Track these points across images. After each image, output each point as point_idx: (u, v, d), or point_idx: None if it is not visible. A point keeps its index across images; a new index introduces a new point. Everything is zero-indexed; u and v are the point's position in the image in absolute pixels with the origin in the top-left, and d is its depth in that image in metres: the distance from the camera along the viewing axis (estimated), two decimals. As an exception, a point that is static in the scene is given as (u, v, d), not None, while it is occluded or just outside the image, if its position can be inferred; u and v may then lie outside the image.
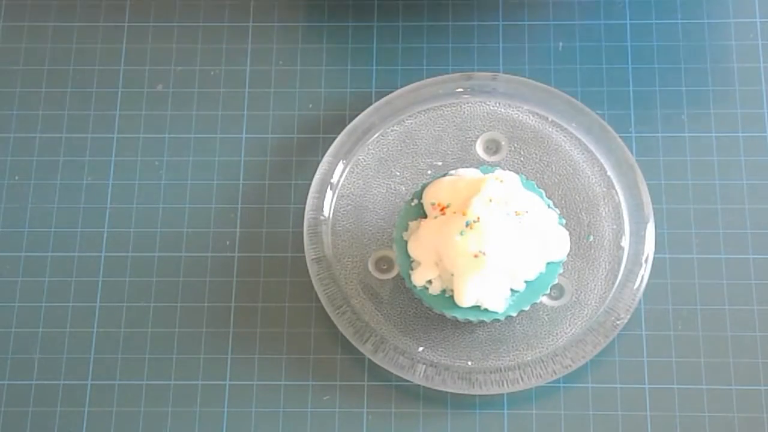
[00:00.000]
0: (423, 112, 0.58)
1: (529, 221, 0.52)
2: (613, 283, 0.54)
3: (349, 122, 0.58)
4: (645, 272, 0.54)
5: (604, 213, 0.56)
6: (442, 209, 0.53)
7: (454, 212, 0.52)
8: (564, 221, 0.55)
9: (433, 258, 0.53)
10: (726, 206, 0.57)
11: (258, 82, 0.60)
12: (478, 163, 0.57)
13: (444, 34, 0.61)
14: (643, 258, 0.55)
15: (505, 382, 0.53)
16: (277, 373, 0.55)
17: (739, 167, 0.57)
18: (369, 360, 0.54)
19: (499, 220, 0.52)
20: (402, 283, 0.54)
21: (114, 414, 0.54)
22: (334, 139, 0.58)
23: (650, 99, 0.59)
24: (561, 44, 0.61)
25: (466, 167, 0.56)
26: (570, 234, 0.54)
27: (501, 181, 0.53)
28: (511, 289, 0.53)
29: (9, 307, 0.56)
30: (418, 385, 0.54)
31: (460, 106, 0.58)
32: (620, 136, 0.57)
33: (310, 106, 0.60)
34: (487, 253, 0.51)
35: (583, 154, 0.57)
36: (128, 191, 0.59)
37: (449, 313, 0.53)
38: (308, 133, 0.59)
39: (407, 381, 0.54)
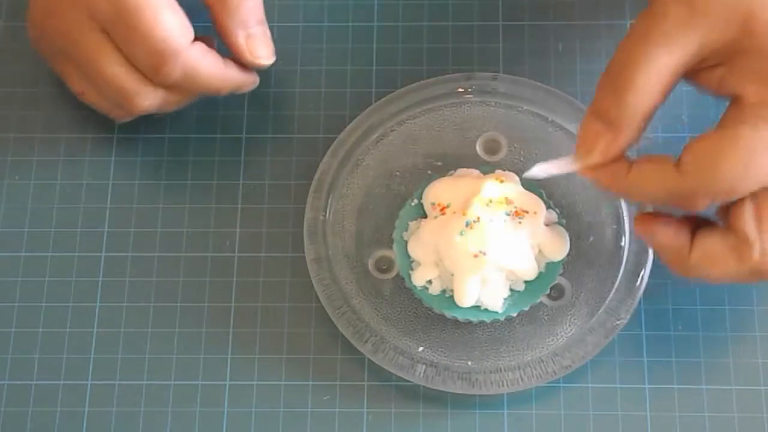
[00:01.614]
0: (423, 112, 0.58)
1: (529, 221, 0.52)
2: (613, 283, 0.54)
3: (349, 122, 0.58)
4: (645, 272, 0.54)
5: (604, 213, 0.56)
6: (442, 209, 0.53)
7: (454, 212, 0.53)
8: (564, 221, 0.55)
9: (433, 258, 0.53)
10: (726, 206, 0.57)
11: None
12: (478, 163, 0.57)
13: (444, 34, 0.61)
14: (643, 258, 0.54)
15: (505, 382, 0.53)
16: (277, 373, 0.55)
17: (739, 167, 0.57)
18: (369, 360, 0.54)
19: (499, 220, 0.52)
20: (402, 283, 0.54)
21: (114, 414, 0.54)
22: (334, 139, 0.58)
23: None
24: (561, 44, 0.60)
25: (466, 167, 0.56)
26: (570, 234, 0.54)
27: (501, 181, 0.53)
28: (511, 289, 0.53)
29: (9, 307, 0.56)
30: (418, 385, 0.54)
31: (460, 106, 0.58)
32: (620, 136, 0.57)
33: (310, 106, 0.60)
34: (487, 253, 0.51)
35: (583, 154, 0.57)
36: (128, 191, 0.58)
37: (449, 313, 0.53)
38: (308, 133, 0.59)
39: (407, 381, 0.53)
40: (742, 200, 0.45)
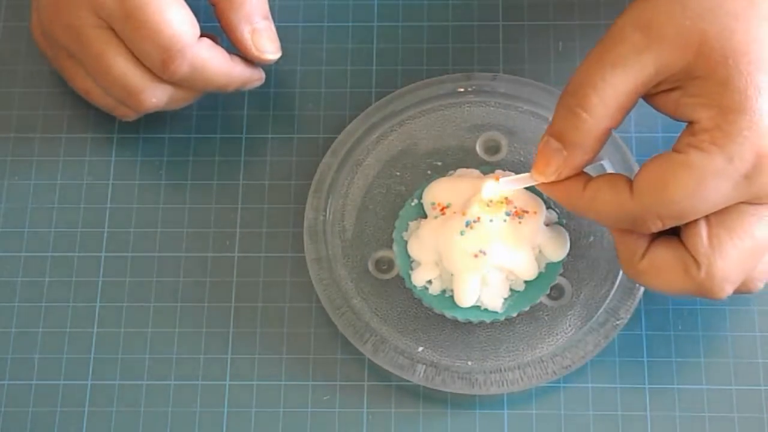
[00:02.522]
0: (423, 113, 0.58)
1: (529, 221, 0.52)
2: (613, 283, 0.54)
3: (349, 122, 0.58)
4: (645, 272, 0.54)
5: (604, 213, 0.56)
6: (442, 209, 0.53)
7: (454, 212, 0.53)
8: (564, 221, 0.55)
9: (433, 258, 0.53)
10: (726, 206, 0.57)
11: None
12: (478, 163, 0.57)
13: (444, 34, 0.61)
14: (643, 258, 0.54)
15: (505, 382, 0.53)
16: (277, 373, 0.55)
17: (739, 167, 0.57)
18: (369, 360, 0.54)
19: (499, 220, 0.52)
20: (402, 283, 0.54)
21: (114, 414, 0.54)
22: (334, 139, 0.58)
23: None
24: (561, 44, 0.61)
25: (466, 167, 0.56)
26: (570, 234, 0.54)
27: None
28: (511, 289, 0.53)
29: (9, 307, 0.56)
30: (418, 385, 0.54)
31: (460, 106, 0.58)
32: (620, 136, 0.57)
33: (310, 106, 0.60)
34: (487, 253, 0.51)
35: (583, 154, 0.57)
36: (128, 191, 0.58)
37: (449, 313, 0.53)
38: (308, 133, 0.59)
39: (407, 381, 0.53)
40: (696, 220, 0.46)
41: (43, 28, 0.56)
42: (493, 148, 0.58)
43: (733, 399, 0.54)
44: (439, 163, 0.57)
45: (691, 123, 0.45)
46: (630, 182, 0.46)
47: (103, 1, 0.52)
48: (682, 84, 0.45)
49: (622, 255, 0.48)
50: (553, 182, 0.48)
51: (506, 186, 0.51)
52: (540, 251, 0.53)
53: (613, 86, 0.45)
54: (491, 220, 0.51)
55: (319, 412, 0.54)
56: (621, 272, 0.54)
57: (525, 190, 0.53)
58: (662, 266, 0.47)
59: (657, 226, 0.46)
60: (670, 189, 0.44)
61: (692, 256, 0.46)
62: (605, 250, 0.55)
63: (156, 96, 0.54)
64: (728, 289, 0.46)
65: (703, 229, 0.46)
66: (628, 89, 0.45)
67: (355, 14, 0.62)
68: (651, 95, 0.47)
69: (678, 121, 0.46)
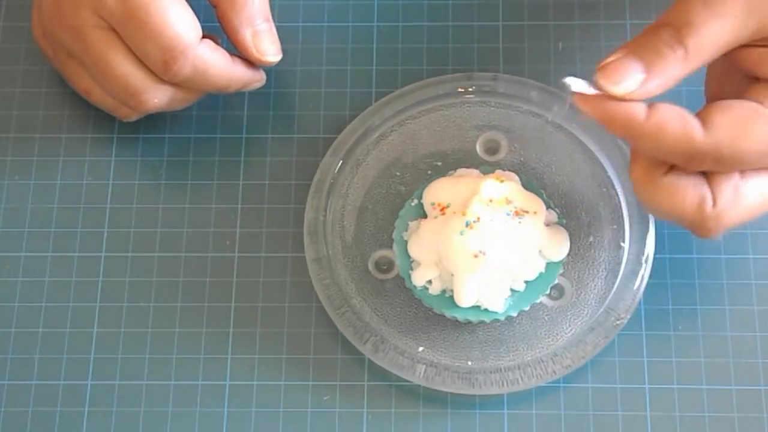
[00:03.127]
0: (423, 112, 0.58)
1: (529, 221, 0.52)
2: (613, 283, 0.54)
3: (349, 122, 0.58)
4: (645, 272, 0.54)
5: (604, 213, 0.56)
6: (442, 209, 0.53)
7: (454, 212, 0.53)
8: (564, 221, 0.55)
9: (433, 258, 0.53)
10: (726, 206, 0.57)
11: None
12: (478, 163, 0.57)
13: (444, 34, 0.61)
14: (643, 258, 0.55)
15: (505, 382, 0.53)
16: (277, 373, 0.55)
17: (739, 167, 0.57)
18: (369, 360, 0.54)
19: (499, 220, 0.52)
20: (402, 283, 0.54)
21: (114, 414, 0.54)
22: (334, 139, 0.58)
23: (649, 99, 0.58)
24: (561, 44, 0.61)
25: (466, 167, 0.56)
26: (570, 234, 0.54)
27: (501, 181, 0.53)
28: (511, 289, 0.53)
29: (9, 307, 0.56)
30: (418, 385, 0.54)
31: (460, 106, 0.58)
32: (620, 136, 0.57)
33: (310, 106, 0.60)
34: (487, 253, 0.51)
35: (583, 154, 0.57)
36: (128, 191, 0.58)
37: (449, 313, 0.53)
38: (308, 133, 0.59)
39: (407, 381, 0.53)
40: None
41: (44, 28, 0.56)
42: (493, 148, 0.58)
43: (733, 399, 0.54)
44: (439, 163, 0.57)
45: None
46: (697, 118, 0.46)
47: (104, 1, 0.52)
48: None
49: (643, 168, 0.47)
50: (614, 105, 0.45)
51: (572, 83, 0.46)
52: (540, 251, 0.53)
53: (714, 35, 0.45)
54: (491, 220, 0.52)
55: (319, 412, 0.54)
56: (621, 272, 0.54)
57: (525, 190, 0.53)
58: (679, 190, 0.46)
59: (715, 168, 0.46)
60: (750, 136, 0.45)
61: (713, 194, 0.46)
62: (605, 250, 0.55)
63: (157, 97, 0.54)
64: (722, 234, 0.47)
65: (736, 175, 0.46)
66: (726, 41, 0.45)
67: (355, 14, 0.62)
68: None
69: (748, 74, 0.47)
